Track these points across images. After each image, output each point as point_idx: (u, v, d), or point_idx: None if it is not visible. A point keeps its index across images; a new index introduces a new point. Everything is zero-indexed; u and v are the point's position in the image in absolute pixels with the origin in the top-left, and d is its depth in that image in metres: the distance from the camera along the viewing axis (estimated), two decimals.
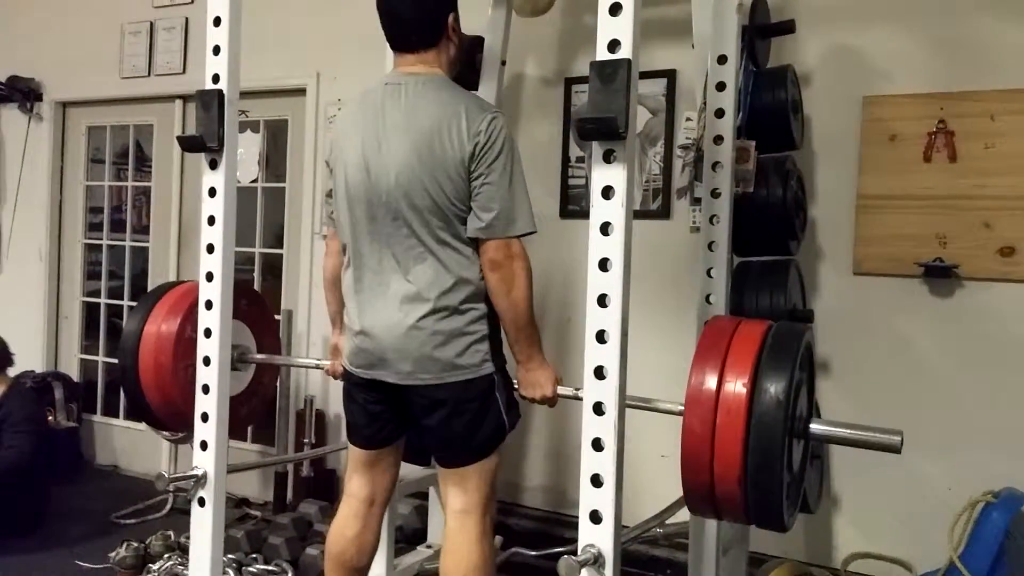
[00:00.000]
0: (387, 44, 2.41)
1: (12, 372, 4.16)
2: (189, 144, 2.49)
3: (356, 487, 2.51)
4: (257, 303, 3.06)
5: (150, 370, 2.75)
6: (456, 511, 2.37)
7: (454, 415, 2.28)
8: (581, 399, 1.92)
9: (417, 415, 2.34)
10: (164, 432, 3.46)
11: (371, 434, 2.46)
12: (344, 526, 2.49)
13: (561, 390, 2.40)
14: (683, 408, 1.93)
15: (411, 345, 2.24)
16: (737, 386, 1.83)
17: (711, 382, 1.86)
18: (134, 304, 4.89)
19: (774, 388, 1.80)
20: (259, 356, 2.97)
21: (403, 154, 2.25)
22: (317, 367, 3.07)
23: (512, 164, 2.25)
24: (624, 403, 1.90)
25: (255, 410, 3.13)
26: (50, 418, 4.71)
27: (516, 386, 2.42)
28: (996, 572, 2.70)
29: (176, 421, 2.66)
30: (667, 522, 2.55)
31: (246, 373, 3.03)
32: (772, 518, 1.88)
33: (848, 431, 2.01)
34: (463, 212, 2.24)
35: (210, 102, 2.42)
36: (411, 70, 2.36)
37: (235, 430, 2.96)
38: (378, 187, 2.29)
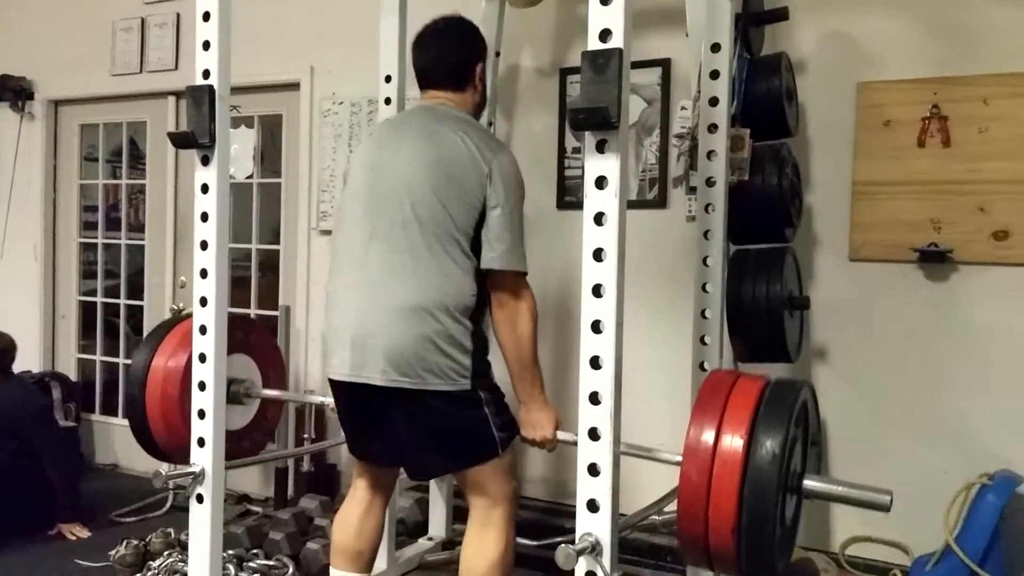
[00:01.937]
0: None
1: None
2: (180, 141, 2.48)
3: (361, 479, 2.63)
4: (262, 337, 3.08)
5: (157, 401, 2.77)
6: (473, 507, 2.45)
7: (429, 421, 2.31)
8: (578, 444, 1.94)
9: (395, 420, 2.37)
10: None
11: (364, 449, 2.54)
12: (349, 511, 2.62)
13: (561, 435, 2.43)
14: (680, 459, 1.96)
15: (396, 344, 2.27)
16: (734, 441, 1.86)
17: (709, 436, 1.89)
18: (131, 303, 4.97)
19: (769, 445, 1.83)
20: (264, 391, 2.98)
21: (418, 164, 2.34)
22: (323, 404, 3.07)
23: (518, 203, 2.36)
24: (620, 393, 1.91)
25: (258, 443, 3.14)
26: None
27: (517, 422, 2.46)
28: (991, 554, 2.72)
29: (180, 453, 2.65)
30: (665, 510, 2.56)
31: (250, 407, 3.05)
32: (763, 570, 1.90)
33: (840, 488, 2.06)
34: (464, 228, 2.30)
35: (201, 98, 2.41)
36: (435, 101, 2.51)
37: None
38: (385, 190, 2.37)
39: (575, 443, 2.08)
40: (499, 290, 2.34)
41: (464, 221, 2.31)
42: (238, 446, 2.92)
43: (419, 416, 2.32)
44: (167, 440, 2.72)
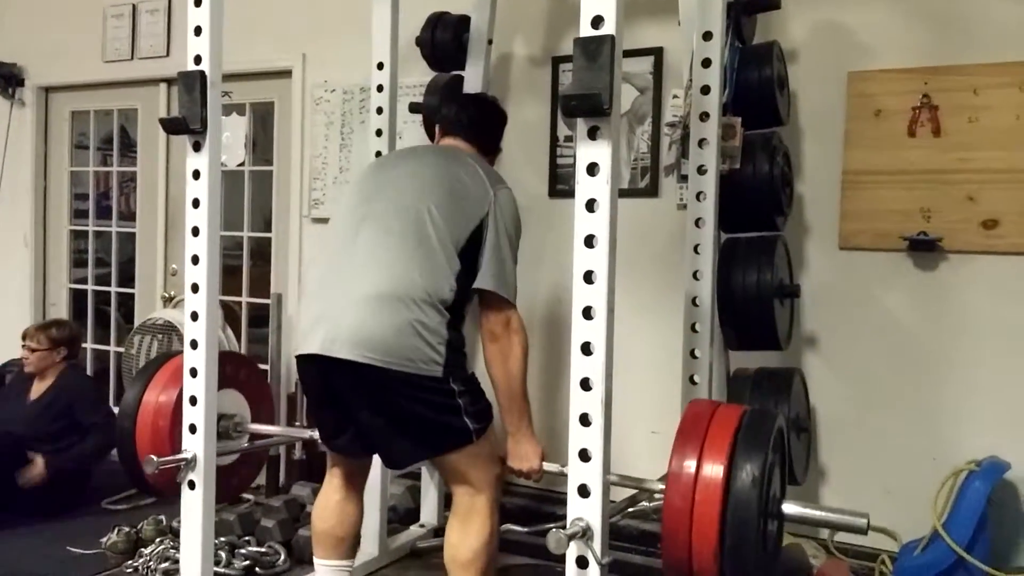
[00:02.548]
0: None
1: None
2: (172, 126, 2.47)
3: (335, 467, 2.63)
4: (253, 372, 3.07)
5: (147, 434, 2.74)
6: (456, 494, 2.46)
7: (397, 406, 2.30)
8: (566, 475, 1.94)
9: (363, 405, 2.35)
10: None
11: (333, 440, 2.53)
12: (327, 497, 2.63)
13: (547, 466, 2.46)
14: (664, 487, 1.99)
15: (370, 326, 2.25)
16: (715, 470, 1.90)
17: (690, 467, 1.92)
18: (122, 291, 4.96)
19: (748, 473, 1.88)
20: (253, 427, 2.95)
21: (424, 173, 2.44)
22: (312, 439, 3.04)
23: (513, 236, 2.42)
24: (611, 380, 1.92)
25: (246, 479, 3.13)
26: None
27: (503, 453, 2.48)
28: (978, 539, 2.74)
29: (170, 487, 2.64)
30: (656, 496, 2.56)
31: (240, 442, 3.03)
32: None
33: (819, 512, 2.11)
34: (455, 239, 2.33)
35: (192, 84, 2.40)
36: (455, 144, 2.63)
37: (225, 498, 3.02)
38: (386, 184, 2.43)
39: (561, 474, 2.11)
40: (491, 321, 2.36)
41: (457, 234, 2.34)
42: (227, 483, 2.91)
43: (387, 400, 2.29)
44: (157, 475, 2.69)
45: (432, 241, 2.31)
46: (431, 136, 3.17)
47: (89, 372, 5.12)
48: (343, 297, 2.31)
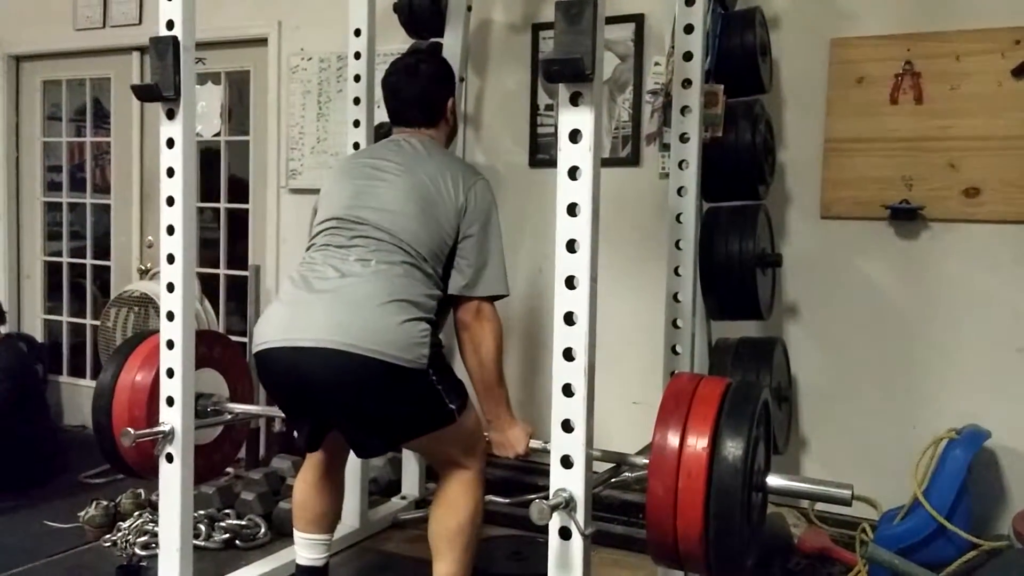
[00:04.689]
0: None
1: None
2: (145, 93, 2.42)
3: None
4: (229, 349, 3.01)
5: (124, 417, 2.65)
6: (442, 469, 2.47)
7: (383, 394, 2.22)
8: (549, 451, 1.92)
9: (339, 399, 2.26)
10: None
11: (314, 445, 2.47)
12: (307, 473, 2.62)
13: (535, 444, 2.45)
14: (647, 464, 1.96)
15: (353, 319, 2.19)
16: (698, 450, 1.88)
17: (673, 445, 1.90)
18: (97, 263, 4.89)
19: (732, 452, 1.85)
20: (231, 405, 2.89)
21: (399, 188, 2.37)
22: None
23: (492, 227, 2.40)
24: (594, 350, 1.90)
25: (228, 456, 3.08)
26: None
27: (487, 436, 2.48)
28: (958, 507, 2.75)
29: (154, 473, 2.60)
30: (639, 469, 2.56)
31: (218, 420, 2.96)
32: (734, 571, 1.93)
33: (804, 484, 2.10)
34: (434, 252, 2.32)
35: (164, 50, 2.34)
36: (409, 135, 2.55)
37: (205, 477, 2.98)
38: (361, 209, 2.37)
39: (545, 450, 2.09)
40: (462, 311, 2.36)
41: (433, 249, 2.33)
42: (209, 460, 2.88)
43: (366, 391, 2.20)
44: (135, 455, 2.65)
45: (414, 263, 2.29)
46: None
47: (64, 345, 5.07)
48: (324, 303, 2.23)
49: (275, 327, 2.27)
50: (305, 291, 2.28)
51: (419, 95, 2.58)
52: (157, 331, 2.58)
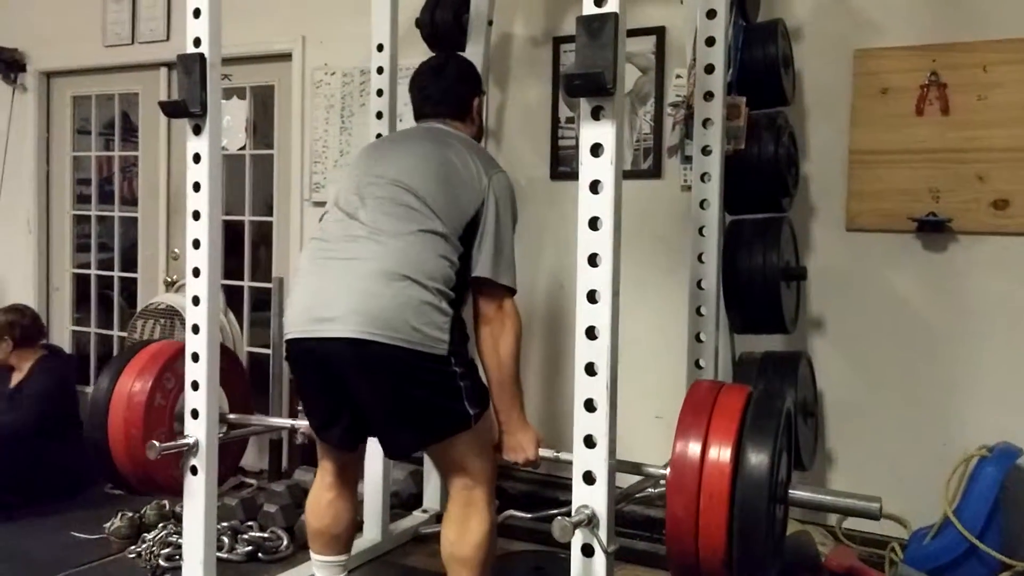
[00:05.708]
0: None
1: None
2: (172, 109, 2.45)
3: (326, 462, 2.58)
4: (229, 360, 3.01)
5: (120, 441, 2.68)
6: (452, 486, 2.42)
7: (399, 386, 2.23)
8: (564, 461, 1.91)
9: (361, 386, 2.28)
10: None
11: (327, 430, 2.47)
12: (319, 496, 2.59)
13: (543, 452, 2.42)
14: (667, 473, 1.93)
15: (371, 303, 2.19)
16: (719, 465, 1.84)
17: (693, 461, 1.87)
18: (124, 275, 4.93)
19: (756, 471, 1.82)
20: (233, 416, 2.90)
21: (419, 161, 2.39)
22: (293, 428, 3.02)
23: (509, 220, 2.39)
24: (616, 365, 1.89)
25: (228, 468, 3.09)
26: None
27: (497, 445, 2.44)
28: (991, 526, 2.70)
29: (149, 487, 2.60)
30: (660, 483, 2.54)
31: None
32: None
33: (829, 497, 2.06)
34: (452, 227, 2.31)
35: (192, 66, 2.38)
36: (435, 122, 2.58)
37: None
38: (382, 171, 2.39)
39: (557, 460, 2.06)
40: (484, 304, 2.34)
41: (452, 223, 2.32)
42: None
43: (388, 381, 2.22)
44: (130, 466, 2.65)
45: (431, 224, 2.28)
46: None
47: (92, 356, 5.11)
48: (342, 277, 2.26)
49: (298, 311, 2.33)
50: (322, 262, 2.33)
51: (446, 90, 2.60)
52: (145, 344, 2.58)
